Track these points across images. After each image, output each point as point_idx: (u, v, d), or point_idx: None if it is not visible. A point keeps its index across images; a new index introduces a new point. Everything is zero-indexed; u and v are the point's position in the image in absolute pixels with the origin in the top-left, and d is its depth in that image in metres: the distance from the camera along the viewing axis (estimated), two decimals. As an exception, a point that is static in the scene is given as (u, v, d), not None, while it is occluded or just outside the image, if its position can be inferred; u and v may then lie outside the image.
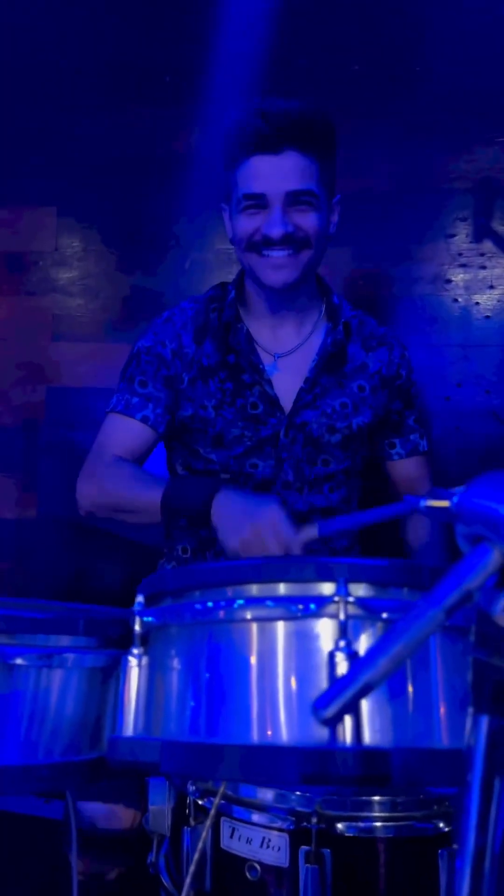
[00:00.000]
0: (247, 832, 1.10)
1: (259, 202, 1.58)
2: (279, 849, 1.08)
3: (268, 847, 1.08)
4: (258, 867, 1.08)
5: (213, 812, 1.06)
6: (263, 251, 1.60)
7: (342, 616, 0.81)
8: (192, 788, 1.16)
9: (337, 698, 0.57)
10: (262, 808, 1.10)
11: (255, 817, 1.10)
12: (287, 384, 1.71)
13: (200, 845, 1.08)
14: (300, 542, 1.33)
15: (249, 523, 1.33)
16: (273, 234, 1.57)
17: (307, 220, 1.59)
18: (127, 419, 1.69)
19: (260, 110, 1.57)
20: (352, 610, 0.82)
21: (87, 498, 1.66)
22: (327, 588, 0.85)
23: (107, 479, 1.63)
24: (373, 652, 0.59)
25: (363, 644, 0.82)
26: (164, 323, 1.76)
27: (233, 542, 1.35)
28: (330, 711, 0.57)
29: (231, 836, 1.11)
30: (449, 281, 2.23)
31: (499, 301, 2.20)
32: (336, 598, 0.82)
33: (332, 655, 0.80)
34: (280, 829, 1.08)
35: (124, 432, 1.69)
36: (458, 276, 2.23)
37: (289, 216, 1.57)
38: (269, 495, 1.68)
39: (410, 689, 0.84)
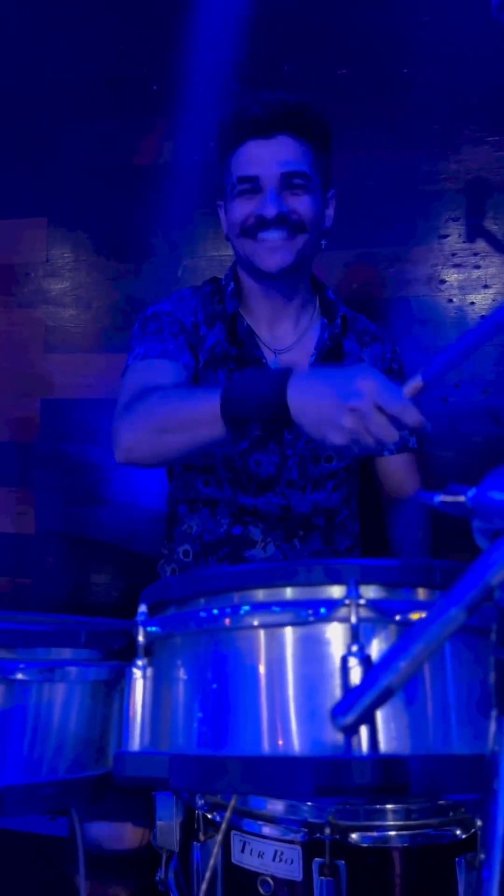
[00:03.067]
0: (258, 846, 1.07)
1: (253, 185, 1.59)
2: (292, 862, 1.05)
3: (280, 860, 1.05)
4: (271, 881, 1.06)
5: (223, 827, 1.03)
6: (258, 235, 1.59)
7: (354, 619, 0.78)
8: (200, 802, 1.13)
9: (356, 704, 0.54)
10: (273, 820, 1.07)
11: (267, 830, 1.07)
12: None
13: (211, 861, 1.05)
14: (408, 398, 1.10)
15: (347, 408, 1.08)
16: (267, 214, 1.57)
17: (301, 203, 1.59)
18: (166, 363, 1.53)
19: (254, 98, 1.60)
20: (363, 613, 0.79)
21: (128, 434, 1.39)
22: (337, 591, 0.82)
23: (150, 401, 1.39)
24: (392, 654, 0.56)
25: (376, 648, 0.80)
26: (179, 300, 1.71)
27: (335, 438, 1.11)
28: (349, 718, 0.55)
29: (242, 851, 1.08)
30: (443, 281, 2.22)
31: (494, 300, 2.19)
32: (347, 601, 0.79)
33: (344, 661, 0.77)
34: (292, 842, 1.05)
35: (164, 375, 1.50)
36: (453, 277, 2.21)
37: (283, 198, 1.58)
38: (275, 503, 1.65)
39: (425, 693, 0.81)
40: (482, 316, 2.19)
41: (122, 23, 2.44)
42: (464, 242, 2.21)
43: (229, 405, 1.22)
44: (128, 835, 1.43)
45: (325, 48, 2.30)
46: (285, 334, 1.73)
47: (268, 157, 1.58)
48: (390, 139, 2.26)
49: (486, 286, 2.19)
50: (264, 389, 1.18)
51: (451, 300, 2.21)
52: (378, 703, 0.55)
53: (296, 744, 0.81)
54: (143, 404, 1.39)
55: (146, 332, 1.62)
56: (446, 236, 2.22)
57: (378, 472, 1.85)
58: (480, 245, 2.21)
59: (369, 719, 0.63)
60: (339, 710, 0.56)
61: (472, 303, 2.19)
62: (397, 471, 1.83)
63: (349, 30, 2.29)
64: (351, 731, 0.60)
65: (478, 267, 2.19)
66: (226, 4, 2.28)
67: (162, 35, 2.39)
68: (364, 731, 0.73)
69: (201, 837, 1.12)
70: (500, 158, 2.19)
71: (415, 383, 1.11)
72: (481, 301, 2.19)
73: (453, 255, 2.21)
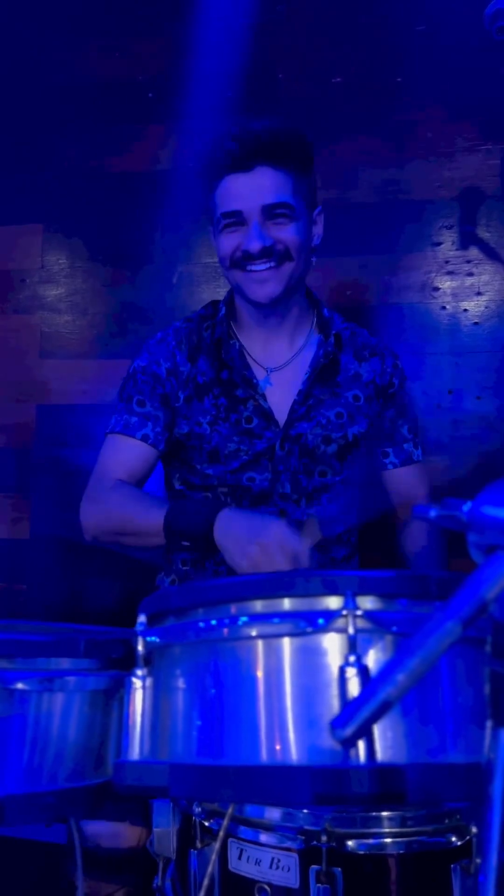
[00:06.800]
0: (255, 853, 1.08)
1: (237, 219, 1.61)
2: (289, 869, 1.05)
3: (277, 868, 1.06)
4: (268, 889, 1.06)
5: (221, 835, 1.04)
6: (246, 267, 1.62)
7: (351, 630, 0.79)
8: (197, 810, 1.14)
9: (355, 717, 0.55)
10: (270, 827, 1.08)
11: (264, 837, 1.08)
12: (281, 397, 1.71)
13: (209, 868, 1.06)
14: (307, 549, 1.33)
15: (255, 542, 1.32)
16: (252, 249, 1.59)
17: (286, 233, 1.61)
18: (127, 439, 1.69)
19: (230, 133, 1.61)
20: (360, 623, 0.80)
21: (92, 523, 1.65)
22: (334, 602, 0.83)
23: (110, 501, 1.63)
24: (389, 668, 0.57)
25: (373, 658, 0.81)
26: (158, 343, 1.77)
27: (240, 562, 1.35)
28: (348, 731, 0.56)
29: (239, 858, 1.09)
30: (437, 289, 2.23)
31: (487, 307, 2.21)
32: (344, 612, 0.80)
33: (341, 671, 0.78)
34: (289, 849, 1.05)
35: (125, 452, 1.69)
36: (446, 284, 2.23)
37: (267, 230, 1.60)
38: (269, 512, 1.67)
39: (421, 702, 0.82)
40: (475, 323, 2.21)
41: (119, 30, 2.45)
42: (457, 250, 2.23)
43: (170, 526, 1.49)
44: (125, 834, 1.44)
45: (320, 56, 2.32)
46: (280, 353, 1.75)
47: (248, 190, 1.59)
48: (384, 147, 2.28)
49: (478, 293, 2.21)
50: (199, 517, 1.45)
51: (444, 307, 2.23)
52: (376, 716, 0.56)
53: (294, 753, 0.82)
54: (106, 506, 1.64)
55: (122, 398, 1.74)
56: (439, 244, 2.24)
57: (387, 486, 1.86)
58: (473, 252, 2.22)
59: (368, 732, 0.64)
60: (337, 723, 0.57)
61: (466, 310, 2.21)
62: (404, 483, 1.84)
63: (343, 38, 2.31)
64: (350, 743, 0.61)
65: (471, 274, 2.21)
66: (222, 13, 2.29)
67: (158, 43, 2.40)
68: (361, 740, 0.74)
69: (198, 845, 1.12)
70: (492, 166, 2.21)
71: (314, 535, 1.40)
72: (474, 308, 2.21)
73: (446, 262, 2.23)
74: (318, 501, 1.72)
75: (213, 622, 0.88)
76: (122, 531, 1.60)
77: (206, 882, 1.06)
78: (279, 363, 1.74)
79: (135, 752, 0.89)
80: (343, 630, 0.80)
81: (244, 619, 0.86)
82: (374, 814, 1.05)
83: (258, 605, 0.88)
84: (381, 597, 0.84)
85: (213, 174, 1.64)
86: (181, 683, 0.90)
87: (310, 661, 0.83)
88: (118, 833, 1.43)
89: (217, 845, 1.06)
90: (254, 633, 0.85)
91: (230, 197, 1.61)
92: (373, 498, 1.81)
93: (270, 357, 1.74)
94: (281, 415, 1.70)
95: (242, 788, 0.81)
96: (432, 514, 0.66)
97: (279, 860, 1.06)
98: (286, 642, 0.84)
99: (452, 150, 2.24)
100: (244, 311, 1.75)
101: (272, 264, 1.60)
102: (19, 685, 0.92)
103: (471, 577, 0.58)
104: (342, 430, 1.71)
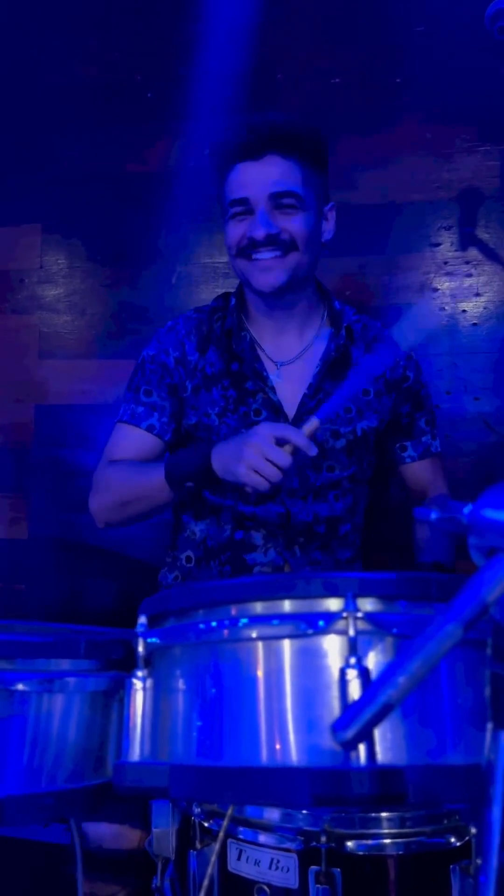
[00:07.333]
0: (255, 854, 1.08)
1: (245, 207, 1.62)
2: (288, 870, 1.05)
3: (277, 868, 1.06)
4: (267, 889, 1.06)
5: (221, 835, 1.04)
6: (252, 255, 1.62)
7: (351, 632, 0.79)
8: (197, 810, 1.14)
9: (356, 719, 0.56)
10: (269, 828, 1.08)
11: (263, 838, 1.08)
12: (290, 391, 1.71)
13: (208, 869, 1.06)
14: (303, 433, 1.39)
15: (244, 445, 1.39)
16: (257, 236, 1.60)
17: (292, 223, 1.61)
18: (133, 428, 1.71)
19: (244, 121, 1.63)
20: (361, 625, 0.80)
21: (99, 505, 1.69)
22: (335, 604, 0.84)
23: (110, 478, 1.68)
24: (391, 670, 0.57)
25: (373, 660, 0.81)
26: (168, 332, 1.77)
27: (238, 470, 1.39)
28: (350, 733, 0.56)
29: (238, 859, 1.09)
30: (435, 290, 2.23)
31: (485, 308, 2.21)
32: (345, 614, 0.80)
33: (342, 673, 0.78)
34: (288, 850, 1.05)
35: (130, 441, 1.71)
36: (445, 285, 2.23)
37: (273, 218, 1.60)
38: (276, 512, 1.68)
39: (421, 704, 0.82)
40: (474, 324, 2.21)
41: (117, 30, 2.45)
42: (456, 251, 2.23)
43: (171, 474, 1.54)
44: (126, 836, 1.45)
45: (319, 57, 2.32)
46: (289, 346, 1.75)
47: (257, 178, 1.60)
48: (383, 147, 2.28)
49: (477, 294, 2.21)
50: (196, 457, 1.52)
51: (443, 308, 2.23)
52: (377, 718, 0.56)
53: (294, 754, 0.82)
54: (106, 483, 1.69)
55: (130, 388, 1.77)
56: (438, 244, 2.24)
57: (405, 480, 1.86)
58: (472, 253, 2.22)
59: (369, 735, 0.64)
60: (339, 726, 0.57)
61: (464, 311, 2.21)
62: (423, 477, 1.83)
63: (342, 39, 2.31)
64: (351, 745, 0.61)
65: (469, 275, 2.21)
66: (222, 13, 2.29)
67: (156, 43, 2.40)
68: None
69: (198, 845, 1.12)
70: (492, 167, 2.21)
71: (311, 426, 1.42)
72: (473, 309, 2.21)
73: (445, 263, 2.23)
74: (325, 498, 1.71)
75: (214, 623, 0.88)
76: (127, 500, 1.64)
77: (205, 883, 1.06)
78: (289, 357, 1.74)
79: (135, 754, 0.89)
80: (343, 632, 0.81)
81: (244, 620, 0.86)
82: (373, 815, 1.05)
83: (258, 607, 0.88)
84: (382, 598, 0.84)
85: (223, 163, 1.65)
86: (181, 685, 0.90)
87: (310, 663, 0.83)
88: (120, 835, 1.44)
89: (216, 846, 1.06)
90: (254, 635, 0.85)
91: (239, 184, 1.62)
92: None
93: (280, 351, 1.74)
94: (290, 408, 1.70)
95: (242, 790, 0.81)
96: (433, 516, 0.66)
97: (278, 861, 1.06)
98: (286, 644, 0.84)
99: (451, 150, 2.24)
100: (252, 302, 1.75)
101: (277, 253, 1.60)
102: (19, 686, 0.92)
103: (472, 580, 0.59)
104: (351, 424, 1.71)
